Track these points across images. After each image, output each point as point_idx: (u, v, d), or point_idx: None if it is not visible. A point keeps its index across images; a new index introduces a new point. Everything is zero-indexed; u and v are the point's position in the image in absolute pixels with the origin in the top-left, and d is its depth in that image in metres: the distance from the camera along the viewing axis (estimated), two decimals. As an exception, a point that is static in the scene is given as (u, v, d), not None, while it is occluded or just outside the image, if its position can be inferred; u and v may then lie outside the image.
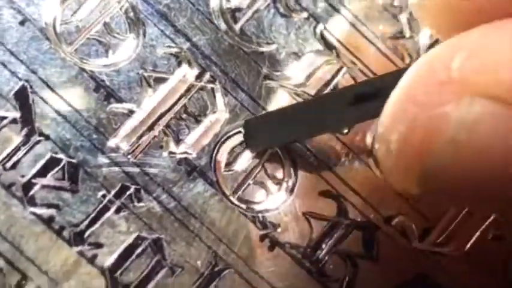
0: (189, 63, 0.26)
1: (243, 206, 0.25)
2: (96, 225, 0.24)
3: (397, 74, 0.19)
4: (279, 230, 0.26)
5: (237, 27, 0.26)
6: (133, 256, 0.24)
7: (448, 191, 0.19)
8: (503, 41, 0.18)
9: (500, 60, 0.17)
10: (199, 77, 0.26)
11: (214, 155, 0.26)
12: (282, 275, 0.25)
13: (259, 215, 0.26)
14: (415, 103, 0.18)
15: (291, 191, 0.26)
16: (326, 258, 0.26)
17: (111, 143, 0.25)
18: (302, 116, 0.25)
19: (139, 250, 0.25)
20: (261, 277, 0.25)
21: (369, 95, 0.22)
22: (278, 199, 0.26)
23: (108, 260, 0.24)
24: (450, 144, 0.18)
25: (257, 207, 0.26)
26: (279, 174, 0.26)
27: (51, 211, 0.24)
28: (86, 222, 0.24)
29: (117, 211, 0.25)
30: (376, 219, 0.26)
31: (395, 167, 0.19)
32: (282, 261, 0.25)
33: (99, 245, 0.24)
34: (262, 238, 0.25)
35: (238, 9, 0.26)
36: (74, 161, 0.24)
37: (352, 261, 0.26)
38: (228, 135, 0.26)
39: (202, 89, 0.26)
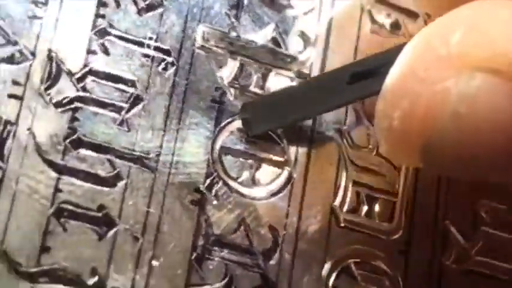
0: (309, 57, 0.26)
1: (218, 166, 0.24)
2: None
3: (391, 53, 0.19)
4: (212, 212, 0.24)
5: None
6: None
7: (451, 162, 0.19)
8: (500, 15, 0.18)
9: (497, 34, 0.18)
10: (299, 76, 0.26)
11: (239, 113, 0.25)
12: (173, 234, 0.23)
13: (220, 183, 0.24)
14: (416, 79, 0.18)
15: (257, 199, 0.25)
16: (214, 262, 0.24)
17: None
18: (299, 98, 0.24)
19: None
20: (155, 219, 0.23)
21: (365, 74, 0.22)
22: (245, 191, 0.25)
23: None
24: (452, 118, 0.18)
25: (224, 176, 0.24)
26: (265, 181, 0.25)
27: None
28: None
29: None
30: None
31: (399, 143, 0.19)
32: (185, 228, 0.24)
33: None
34: (192, 202, 0.24)
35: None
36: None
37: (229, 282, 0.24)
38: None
39: (293, 79, 0.26)
